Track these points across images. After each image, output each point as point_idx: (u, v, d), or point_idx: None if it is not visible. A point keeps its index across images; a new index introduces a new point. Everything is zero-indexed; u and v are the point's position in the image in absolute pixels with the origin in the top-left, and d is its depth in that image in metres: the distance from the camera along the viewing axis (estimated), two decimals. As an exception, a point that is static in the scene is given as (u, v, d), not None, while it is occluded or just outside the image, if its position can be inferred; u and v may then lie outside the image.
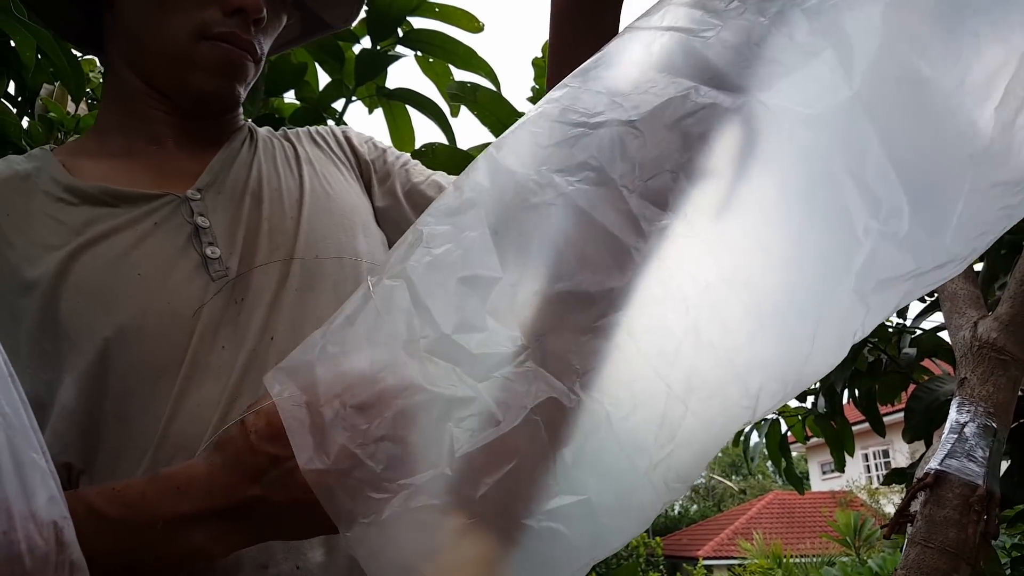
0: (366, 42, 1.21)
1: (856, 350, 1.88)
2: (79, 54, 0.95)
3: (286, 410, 0.42)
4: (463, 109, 1.23)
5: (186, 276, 0.57)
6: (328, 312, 0.59)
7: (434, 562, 0.41)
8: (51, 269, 0.54)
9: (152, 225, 0.58)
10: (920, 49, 0.41)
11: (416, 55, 1.22)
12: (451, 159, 1.15)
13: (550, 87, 0.65)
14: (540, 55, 1.35)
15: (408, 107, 1.25)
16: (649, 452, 0.40)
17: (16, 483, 0.34)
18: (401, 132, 1.27)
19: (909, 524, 1.03)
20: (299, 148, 0.70)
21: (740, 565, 10.28)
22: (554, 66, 0.65)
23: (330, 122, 1.26)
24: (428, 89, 1.27)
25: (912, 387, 1.68)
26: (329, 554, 0.54)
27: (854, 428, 2.23)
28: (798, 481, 2.44)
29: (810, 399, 2.23)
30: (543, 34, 0.68)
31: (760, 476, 21.18)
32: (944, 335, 1.80)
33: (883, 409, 2.00)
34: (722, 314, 0.41)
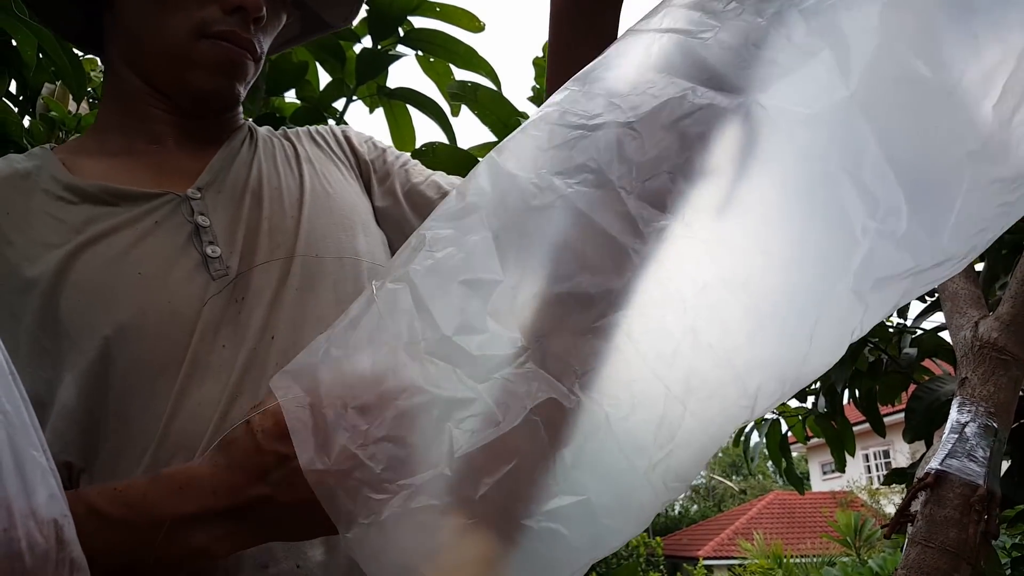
0: (367, 41, 1.21)
1: (857, 350, 1.88)
2: (80, 53, 0.96)
3: (290, 411, 0.42)
4: (464, 108, 1.23)
5: (186, 275, 0.57)
6: (328, 311, 0.60)
7: (434, 562, 0.41)
8: (51, 268, 0.54)
9: (152, 224, 0.58)
10: (918, 48, 0.41)
11: (417, 55, 1.22)
12: (452, 158, 1.15)
13: (550, 86, 0.65)
14: (541, 55, 1.35)
15: (409, 106, 1.25)
16: (648, 452, 0.40)
17: (17, 481, 0.34)
18: (402, 131, 1.27)
19: (910, 524, 1.03)
20: (299, 147, 0.70)
21: (740, 565, 10.28)
22: (554, 66, 0.65)
23: (331, 121, 1.26)
24: (429, 89, 1.27)
25: (913, 387, 1.68)
26: (329, 553, 0.54)
27: (854, 428, 2.23)
28: (798, 481, 2.44)
29: (810, 399, 2.23)
30: (543, 34, 0.68)
31: (761, 476, 21.17)
32: (945, 335, 1.80)
33: (884, 409, 2.00)
34: (720, 314, 0.41)
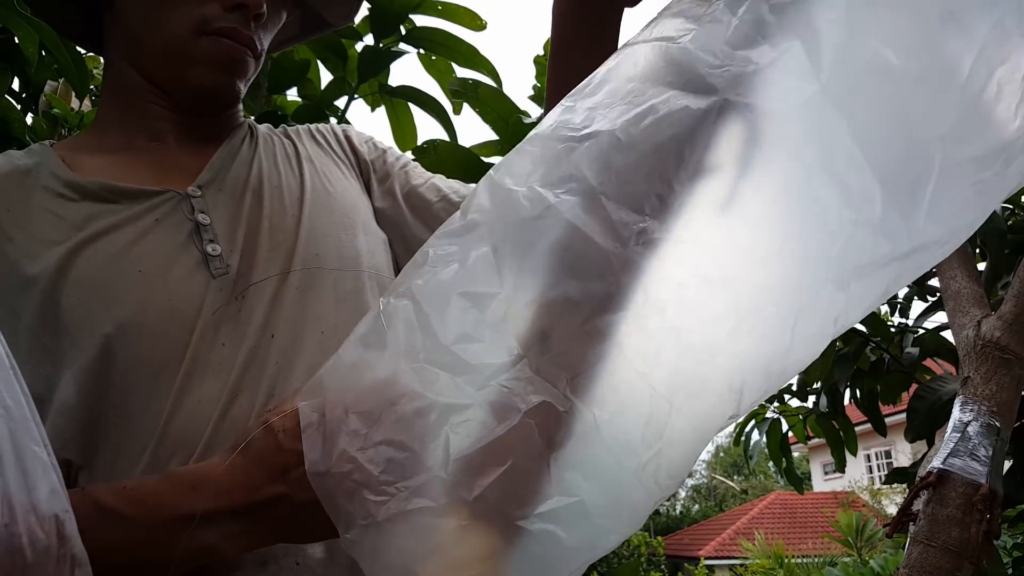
0: (369, 39, 1.21)
1: (858, 350, 1.88)
2: (83, 51, 0.96)
3: (304, 415, 0.44)
4: (465, 106, 1.23)
5: (187, 273, 0.57)
6: (328, 310, 0.60)
7: (431, 563, 0.41)
8: (51, 265, 0.54)
9: (153, 221, 0.58)
10: (885, 37, 0.41)
11: (419, 52, 1.23)
12: (453, 156, 1.15)
13: (550, 85, 0.66)
14: (542, 53, 1.35)
15: (410, 104, 1.25)
16: (637, 452, 0.41)
17: (18, 476, 0.34)
18: (403, 129, 1.27)
19: (912, 523, 1.03)
20: (299, 146, 0.70)
21: (742, 565, 10.28)
22: (555, 65, 0.65)
23: (332, 120, 1.26)
24: (430, 86, 1.28)
25: (914, 387, 1.67)
26: (329, 551, 0.54)
27: (856, 428, 2.22)
28: (798, 481, 2.44)
29: (811, 399, 2.23)
30: (545, 32, 0.68)
31: (762, 476, 21.17)
32: (946, 334, 1.80)
33: (885, 409, 2.00)
34: (701, 312, 0.42)
